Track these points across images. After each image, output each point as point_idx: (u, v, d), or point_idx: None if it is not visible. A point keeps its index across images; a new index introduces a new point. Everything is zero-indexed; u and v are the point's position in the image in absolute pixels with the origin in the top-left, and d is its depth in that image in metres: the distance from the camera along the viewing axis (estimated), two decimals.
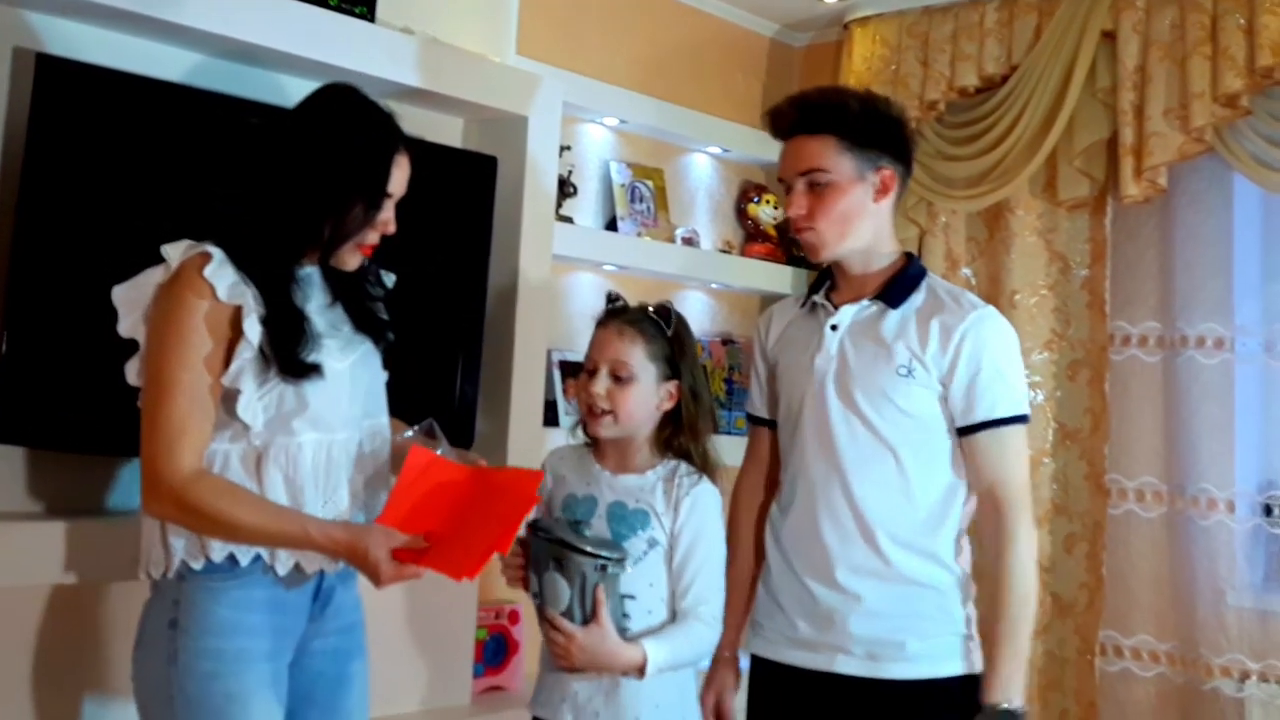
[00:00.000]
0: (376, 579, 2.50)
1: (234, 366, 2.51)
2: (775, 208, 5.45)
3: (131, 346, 2.63)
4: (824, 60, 5.78)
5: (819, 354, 2.87)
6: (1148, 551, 4.86)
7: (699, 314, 5.42)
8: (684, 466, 2.76)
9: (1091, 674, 4.86)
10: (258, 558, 2.56)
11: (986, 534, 2.83)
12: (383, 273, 2.95)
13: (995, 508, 2.78)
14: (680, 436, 2.78)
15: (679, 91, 5.26)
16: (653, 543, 2.69)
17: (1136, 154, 4.63)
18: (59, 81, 3.11)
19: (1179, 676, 4.74)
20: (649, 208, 5.02)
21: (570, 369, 4.63)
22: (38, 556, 3.07)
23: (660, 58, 5.26)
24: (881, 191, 2.84)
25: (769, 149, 3.03)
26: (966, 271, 5.24)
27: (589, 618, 2.60)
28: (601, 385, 2.71)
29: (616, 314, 2.81)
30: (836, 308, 2.88)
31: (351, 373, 2.69)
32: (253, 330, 2.51)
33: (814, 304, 2.96)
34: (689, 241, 5.16)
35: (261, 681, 2.57)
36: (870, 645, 2.77)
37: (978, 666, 2.79)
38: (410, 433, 2.77)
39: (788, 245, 5.46)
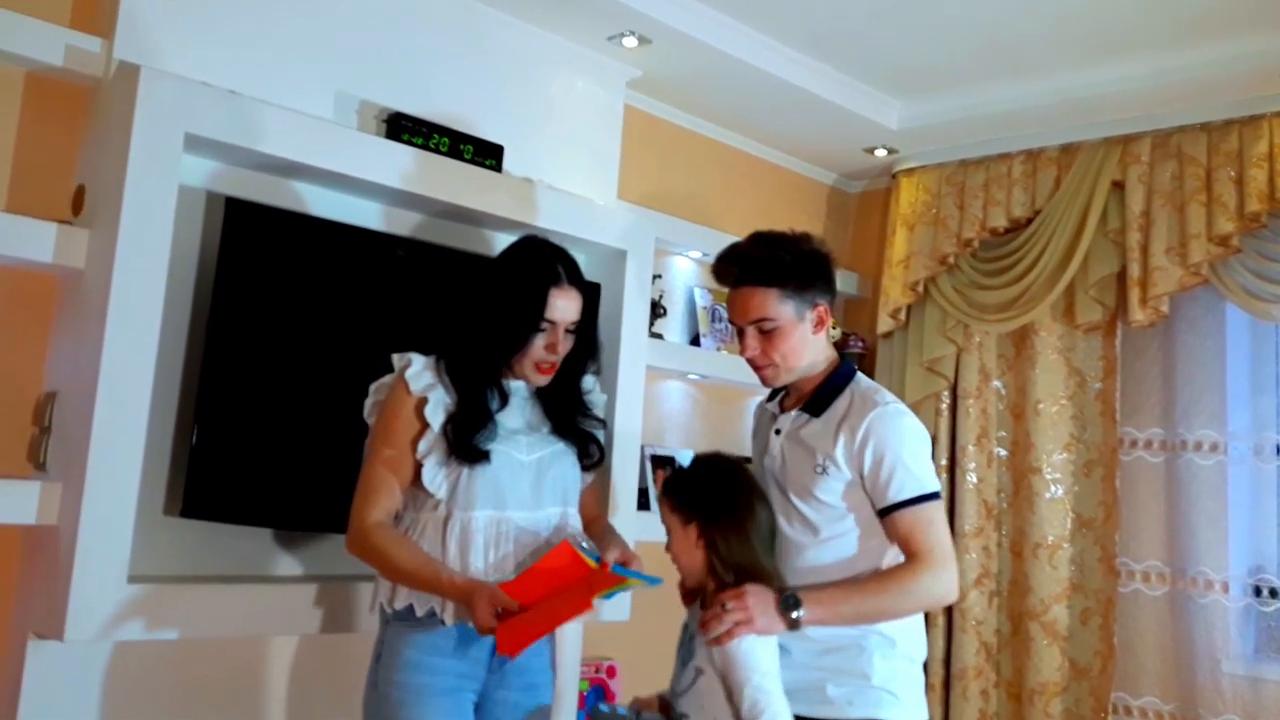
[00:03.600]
0: (478, 626, 2.54)
1: (422, 444, 2.73)
2: (834, 327, 5.44)
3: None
4: (875, 204, 5.85)
5: (767, 454, 2.90)
6: (1153, 625, 4.83)
7: None
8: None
9: None
10: (431, 612, 2.69)
11: None
12: (593, 396, 3.06)
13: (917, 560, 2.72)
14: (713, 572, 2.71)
15: (752, 229, 5.21)
16: (699, 671, 2.61)
17: (1142, 285, 4.65)
18: (243, 220, 3.26)
19: None
20: (727, 327, 5.05)
21: (660, 462, 4.66)
22: (293, 612, 3.32)
23: (736, 201, 5.34)
24: (818, 325, 2.87)
25: None
26: (997, 384, 5.24)
27: None
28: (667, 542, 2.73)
29: (665, 487, 2.80)
30: (784, 411, 2.91)
31: (537, 466, 2.82)
32: (434, 417, 2.73)
33: (769, 410, 3.00)
34: None
35: (438, 711, 2.67)
36: (796, 689, 2.69)
37: (885, 715, 2.72)
38: (585, 543, 2.82)
39: (844, 359, 5.44)
